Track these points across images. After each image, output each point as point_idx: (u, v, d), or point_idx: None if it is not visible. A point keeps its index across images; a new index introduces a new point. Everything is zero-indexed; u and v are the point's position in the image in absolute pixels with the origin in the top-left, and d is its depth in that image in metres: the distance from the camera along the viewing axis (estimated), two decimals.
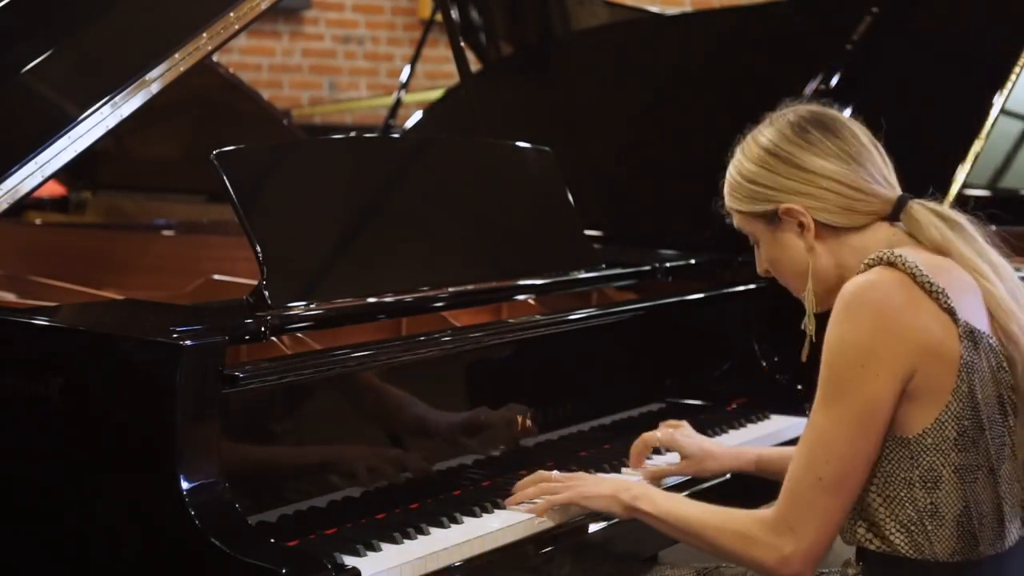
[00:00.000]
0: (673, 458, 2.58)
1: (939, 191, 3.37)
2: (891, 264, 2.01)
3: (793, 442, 2.47)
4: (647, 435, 2.56)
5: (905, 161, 3.68)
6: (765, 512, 2.04)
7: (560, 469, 2.56)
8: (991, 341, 2.01)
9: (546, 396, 2.69)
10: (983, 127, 3.46)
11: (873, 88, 3.79)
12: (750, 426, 2.98)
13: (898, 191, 2.13)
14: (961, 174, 3.43)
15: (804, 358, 2.18)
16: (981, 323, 2.01)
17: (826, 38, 3.93)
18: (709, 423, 2.92)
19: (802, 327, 2.16)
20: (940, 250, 2.07)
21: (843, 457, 1.97)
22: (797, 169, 2.10)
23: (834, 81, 3.76)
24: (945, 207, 2.12)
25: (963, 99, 3.64)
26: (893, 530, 2.01)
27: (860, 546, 2.07)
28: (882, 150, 2.15)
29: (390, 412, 2.39)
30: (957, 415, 1.99)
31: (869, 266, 2.02)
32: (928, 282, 1.99)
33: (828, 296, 2.12)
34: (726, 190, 2.20)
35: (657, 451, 2.63)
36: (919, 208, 2.09)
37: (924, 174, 3.56)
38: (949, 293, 1.99)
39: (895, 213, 2.10)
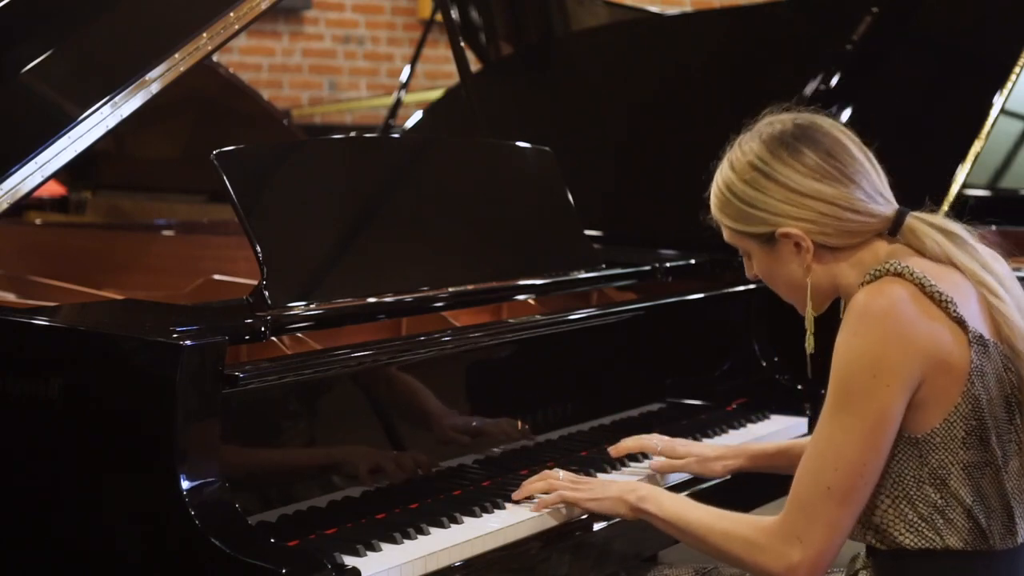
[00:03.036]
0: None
1: (939, 191, 3.41)
2: (899, 275, 2.00)
3: None
4: (646, 442, 2.55)
5: (905, 161, 3.69)
6: (772, 519, 2.04)
7: (560, 469, 2.57)
8: (1000, 348, 2.02)
9: (546, 396, 2.69)
10: (983, 127, 3.46)
11: (873, 88, 3.79)
12: (750, 426, 2.98)
13: (894, 205, 2.10)
14: (961, 174, 3.43)
15: (810, 374, 2.20)
16: (987, 331, 2.02)
17: (826, 38, 3.93)
18: (709, 423, 2.92)
19: (805, 346, 2.15)
20: (943, 263, 2.06)
21: (852, 466, 1.97)
22: (792, 193, 2.06)
23: (834, 81, 3.76)
24: (943, 219, 2.11)
25: (963, 99, 3.64)
26: (902, 531, 2.02)
27: (869, 546, 2.08)
28: (874, 160, 2.11)
29: (390, 412, 2.39)
30: (965, 416, 1.99)
31: (875, 276, 2.01)
32: (937, 291, 1.99)
33: (822, 302, 2.13)
34: (715, 203, 2.15)
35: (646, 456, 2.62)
36: (918, 223, 2.08)
37: (924, 174, 3.58)
38: (957, 302, 2.00)
39: (894, 229, 2.09)
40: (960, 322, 1.99)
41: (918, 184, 3.56)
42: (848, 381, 1.98)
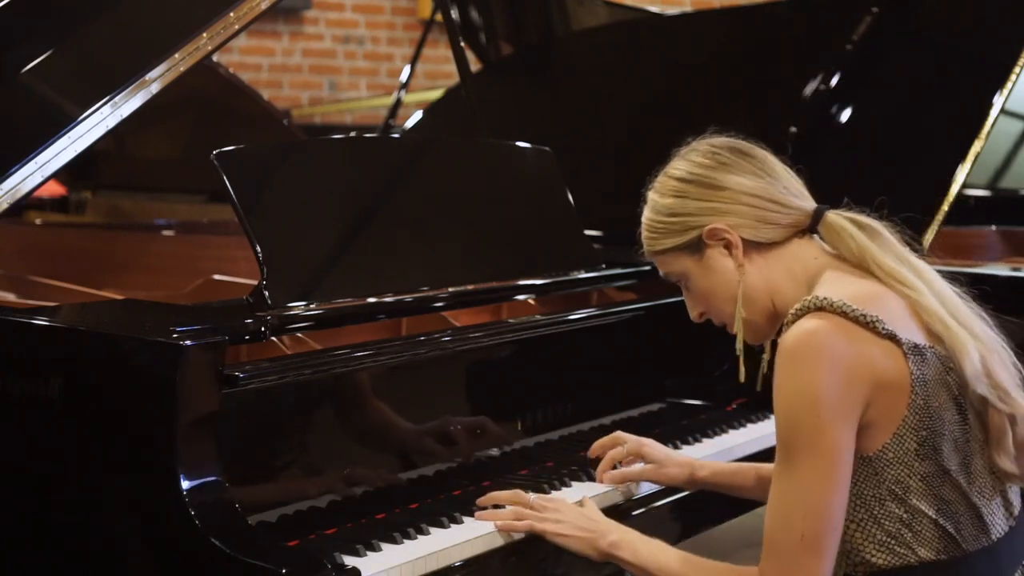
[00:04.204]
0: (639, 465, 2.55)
1: (939, 191, 3.41)
2: (820, 309, 1.99)
3: None
4: (618, 433, 2.53)
5: (906, 161, 3.70)
6: (752, 572, 2.01)
7: (560, 469, 2.57)
8: (935, 350, 2.01)
9: (546, 396, 2.69)
10: (983, 127, 3.46)
11: (873, 88, 3.79)
12: (750, 426, 2.98)
13: (813, 204, 2.14)
14: (961, 174, 3.42)
15: (743, 379, 2.18)
16: (919, 337, 2.01)
17: (826, 38, 3.93)
18: (709, 423, 2.92)
19: (737, 352, 2.15)
20: (859, 262, 2.06)
21: (819, 510, 1.95)
22: (713, 189, 2.11)
23: (834, 81, 3.76)
24: (860, 215, 2.12)
25: (963, 99, 3.64)
26: (873, 552, 2.01)
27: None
28: (791, 171, 2.16)
29: (390, 412, 2.39)
30: (915, 427, 1.98)
31: (798, 315, 2.01)
32: (861, 315, 1.98)
33: (764, 323, 2.13)
34: (645, 236, 2.19)
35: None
36: (835, 218, 2.10)
37: (924, 174, 3.58)
38: (883, 318, 1.99)
39: (813, 224, 2.11)
40: (891, 338, 1.98)
41: (918, 184, 3.58)
42: (794, 426, 1.97)
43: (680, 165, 2.16)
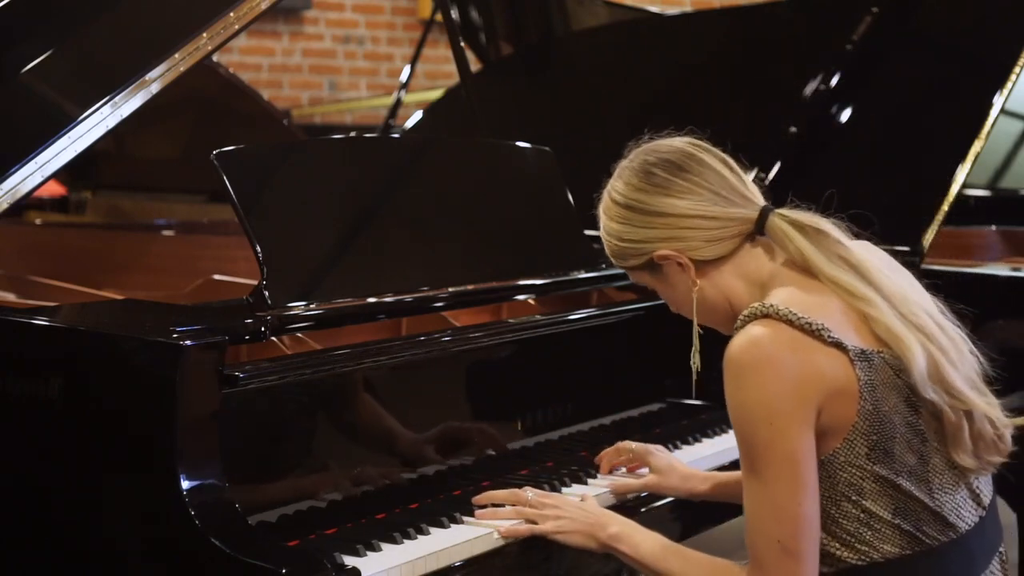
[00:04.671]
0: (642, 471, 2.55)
1: (939, 191, 3.41)
2: (766, 316, 1.99)
3: None
4: (621, 444, 2.53)
5: (906, 161, 3.69)
6: (745, 570, 2.01)
7: (560, 469, 2.57)
8: (882, 355, 2.00)
9: (546, 396, 2.69)
10: (983, 127, 3.46)
11: (873, 88, 3.79)
12: None
13: (759, 203, 2.11)
14: (961, 174, 3.42)
15: (694, 395, 2.19)
16: (866, 342, 2.00)
17: (826, 38, 3.93)
18: (709, 423, 2.92)
19: (692, 365, 2.17)
20: (803, 266, 2.06)
21: (791, 514, 1.96)
22: (652, 216, 2.10)
23: (834, 81, 3.76)
24: (806, 215, 2.09)
25: (963, 99, 3.64)
26: (838, 548, 2.02)
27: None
28: (732, 164, 2.13)
29: (390, 411, 2.39)
30: (865, 432, 1.98)
31: (745, 321, 2.01)
32: (806, 323, 1.97)
33: (726, 326, 2.12)
34: (607, 252, 2.21)
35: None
36: (777, 222, 2.08)
37: (924, 174, 3.58)
38: (829, 326, 1.98)
39: (759, 227, 2.10)
40: (838, 345, 1.97)
41: (918, 184, 3.58)
42: (750, 436, 1.98)
43: (619, 188, 2.15)
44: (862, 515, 2.00)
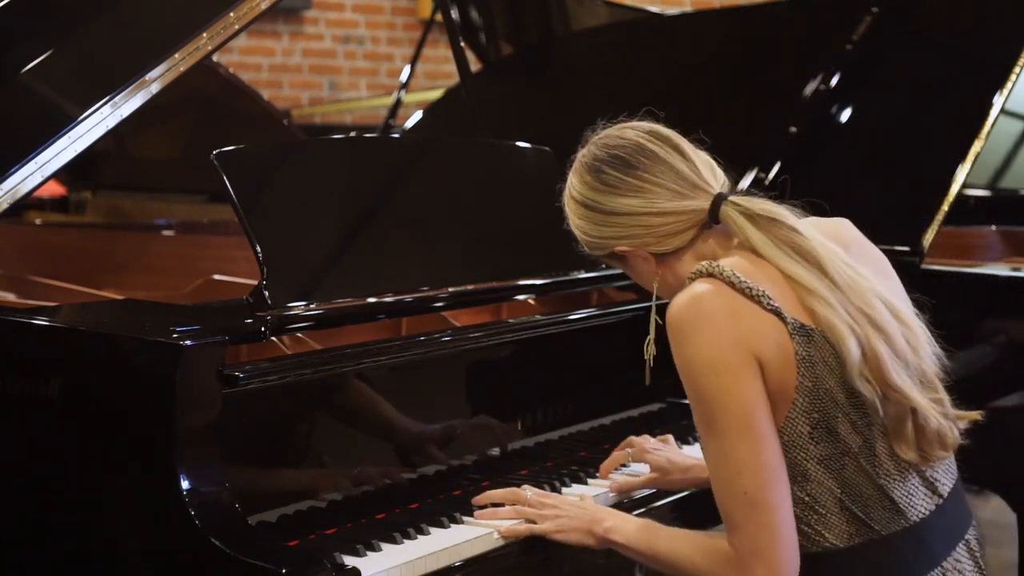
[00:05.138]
0: (643, 468, 2.55)
1: (939, 191, 3.41)
2: (711, 275, 2.02)
3: None
4: (618, 453, 2.54)
5: (906, 161, 3.69)
6: (725, 544, 2.01)
7: (560, 469, 2.56)
8: (824, 334, 2.00)
9: (546, 396, 2.69)
10: (983, 127, 3.46)
11: (873, 88, 3.79)
12: None
13: (715, 189, 2.11)
14: (961, 174, 3.42)
15: (648, 381, 2.20)
16: (809, 320, 2.01)
17: (826, 38, 3.93)
18: None
19: (645, 356, 2.20)
20: (753, 252, 2.06)
21: (752, 464, 1.96)
22: (608, 215, 2.12)
23: (834, 81, 3.76)
24: (757, 201, 2.09)
25: (963, 99, 3.64)
26: None
27: None
28: (688, 151, 2.13)
29: (390, 411, 2.39)
30: (805, 410, 1.99)
31: (691, 279, 2.04)
32: (748, 287, 1.99)
33: None
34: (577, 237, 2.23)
35: (624, 464, 2.61)
36: (729, 212, 2.08)
37: (924, 174, 3.58)
38: (770, 294, 2.00)
39: (713, 217, 2.10)
40: (776, 313, 1.99)
41: (918, 184, 3.58)
42: (700, 392, 1.99)
43: (575, 184, 2.18)
44: (807, 498, 2.00)
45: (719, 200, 2.09)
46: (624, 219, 2.11)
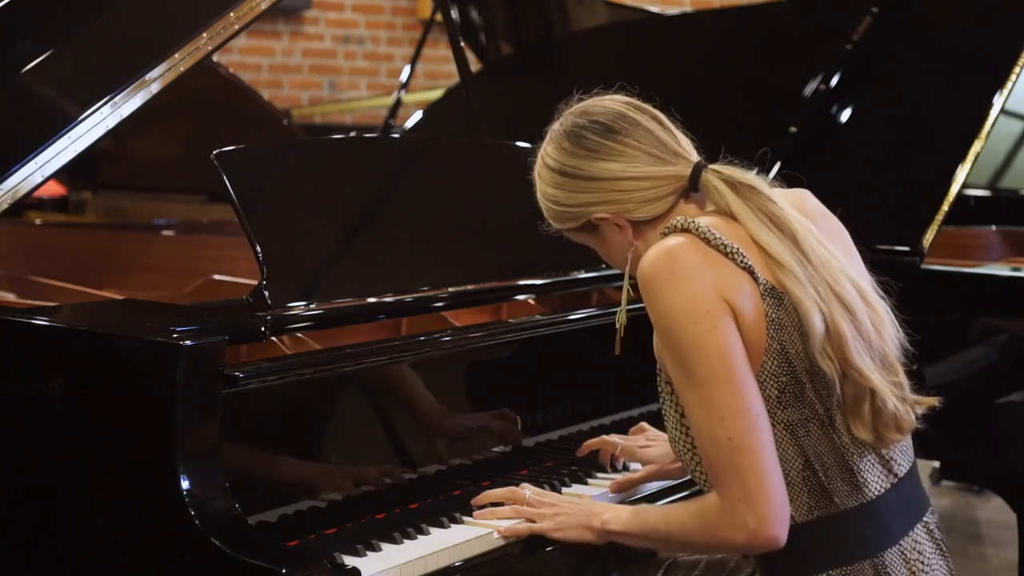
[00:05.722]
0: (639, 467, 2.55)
1: (939, 191, 3.41)
2: (685, 230, 2.03)
3: None
4: (608, 440, 2.54)
5: (906, 161, 3.69)
6: (714, 497, 2.01)
7: (560, 469, 2.57)
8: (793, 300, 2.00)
9: (546, 396, 2.69)
10: (983, 127, 3.46)
11: (873, 88, 3.79)
12: None
13: (692, 159, 2.12)
14: (961, 174, 3.42)
15: (617, 351, 2.21)
16: (779, 286, 2.01)
17: (826, 38, 3.93)
18: None
19: (617, 325, 2.19)
20: (730, 218, 2.07)
21: (734, 411, 1.95)
22: (587, 180, 2.11)
23: (834, 81, 3.77)
24: (737, 170, 2.10)
25: (963, 99, 3.64)
26: None
27: None
28: (665, 121, 2.14)
29: (390, 412, 2.39)
30: (774, 373, 1.99)
31: (664, 235, 2.05)
32: (722, 243, 2.00)
33: None
34: (544, 214, 2.21)
35: (625, 465, 2.61)
36: (709, 177, 2.09)
37: (924, 174, 3.58)
38: (744, 252, 2.00)
39: (693, 184, 2.10)
40: (749, 271, 1.99)
41: (918, 184, 3.58)
42: (677, 341, 1.98)
43: (551, 152, 2.15)
44: None
45: (699, 167, 2.10)
46: (604, 183, 2.10)
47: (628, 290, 2.17)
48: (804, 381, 2.00)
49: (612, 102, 2.16)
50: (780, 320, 1.99)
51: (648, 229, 2.12)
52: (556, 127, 2.18)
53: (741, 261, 2.00)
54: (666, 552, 2.18)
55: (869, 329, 2.01)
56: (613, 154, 2.10)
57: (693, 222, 2.02)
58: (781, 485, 1.97)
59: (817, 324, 1.97)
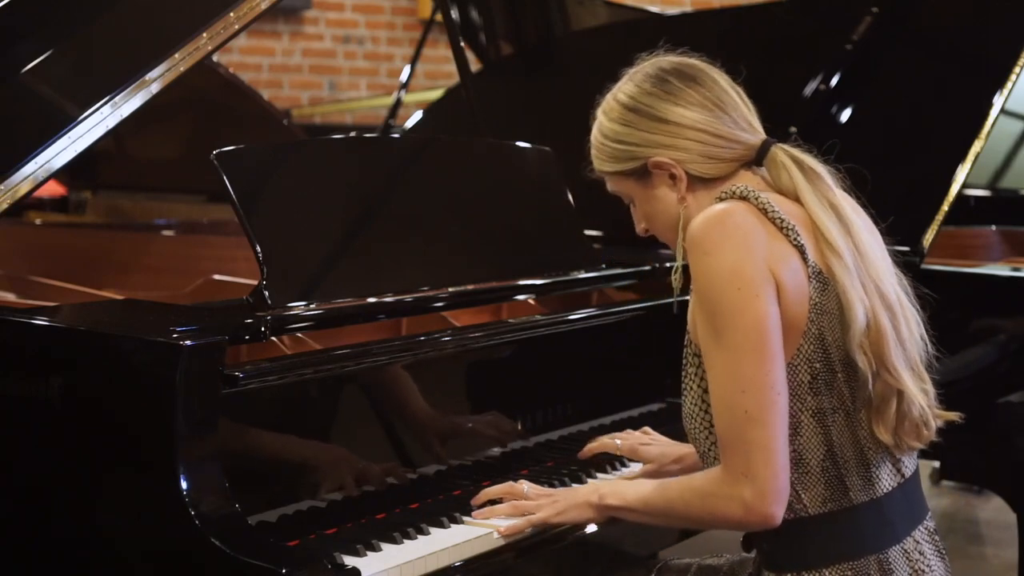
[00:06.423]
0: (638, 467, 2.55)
1: (939, 191, 3.41)
2: (743, 198, 2.02)
3: None
4: (607, 443, 2.53)
5: (906, 161, 3.69)
6: (716, 468, 2.01)
7: (560, 469, 2.57)
8: (837, 289, 2.00)
9: (546, 396, 2.69)
10: (983, 127, 3.46)
11: (873, 88, 3.79)
12: None
13: (762, 136, 2.12)
14: (961, 174, 3.42)
15: (675, 310, 2.18)
16: (827, 272, 2.01)
17: (826, 38, 3.93)
18: None
19: (670, 280, 2.17)
20: (794, 198, 2.06)
21: (757, 382, 1.94)
22: (659, 122, 2.09)
23: (834, 81, 3.76)
24: (806, 155, 2.10)
25: (963, 99, 3.64)
26: None
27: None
28: (744, 96, 2.14)
29: (390, 412, 2.39)
30: (809, 358, 1.98)
31: (721, 199, 2.03)
32: (779, 217, 2.00)
33: None
34: (593, 153, 2.18)
35: (623, 463, 2.61)
36: (779, 152, 2.09)
37: (924, 174, 3.58)
38: (800, 231, 2.00)
39: (759, 158, 2.10)
40: (801, 251, 1.99)
41: (918, 184, 3.58)
42: (716, 303, 1.96)
43: (627, 89, 2.14)
44: (793, 454, 1.99)
45: (769, 142, 2.10)
46: (675, 128, 2.08)
47: (681, 244, 2.12)
48: (837, 371, 1.99)
49: (702, 64, 2.15)
50: (823, 305, 1.98)
51: (702, 189, 2.10)
52: (635, 70, 2.16)
53: (795, 239, 1.99)
54: (664, 525, 2.15)
55: (905, 333, 2.02)
56: (692, 102, 2.08)
57: (752, 191, 2.02)
58: (786, 465, 1.97)
59: (860, 316, 1.97)
